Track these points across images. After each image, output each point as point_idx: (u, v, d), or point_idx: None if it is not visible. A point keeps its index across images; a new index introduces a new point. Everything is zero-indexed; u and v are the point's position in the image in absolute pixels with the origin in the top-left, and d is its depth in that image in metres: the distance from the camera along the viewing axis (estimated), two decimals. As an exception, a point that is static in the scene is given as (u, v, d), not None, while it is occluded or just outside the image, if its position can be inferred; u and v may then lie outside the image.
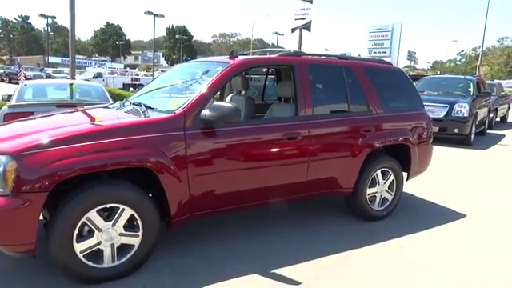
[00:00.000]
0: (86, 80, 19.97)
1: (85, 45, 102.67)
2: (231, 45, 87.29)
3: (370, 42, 29.53)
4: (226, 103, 3.05)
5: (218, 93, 4.02)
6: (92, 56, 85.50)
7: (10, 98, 7.22)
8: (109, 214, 2.75)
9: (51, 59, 58.88)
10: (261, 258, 3.26)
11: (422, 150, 4.52)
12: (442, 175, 6.37)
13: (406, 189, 4.72)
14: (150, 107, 3.27)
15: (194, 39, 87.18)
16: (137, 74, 40.84)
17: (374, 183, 4.16)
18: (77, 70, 45.26)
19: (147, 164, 2.79)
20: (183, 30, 78.30)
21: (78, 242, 2.64)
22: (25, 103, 5.52)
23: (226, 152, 3.18)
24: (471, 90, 10.66)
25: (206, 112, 3.01)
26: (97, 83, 7.97)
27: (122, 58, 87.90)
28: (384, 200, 4.30)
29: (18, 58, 26.19)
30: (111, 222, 2.74)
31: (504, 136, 11.93)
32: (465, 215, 4.56)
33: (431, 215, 4.54)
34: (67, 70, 44.63)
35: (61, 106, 5.38)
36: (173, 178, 2.90)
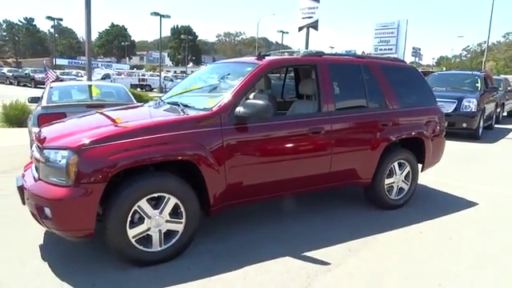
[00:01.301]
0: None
1: (90, 46, 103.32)
2: (236, 44, 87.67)
3: (375, 39, 29.66)
4: (259, 101, 3.33)
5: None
6: (97, 57, 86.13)
7: (34, 99, 7.57)
8: (156, 203, 3.03)
9: (58, 61, 59.33)
10: (290, 244, 3.54)
11: (435, 142, 4.78)
12: (452, 168, 6.62)
13: (419, 180, 4.98)
14: (187, 105, 3.55)
15: (198, 39, 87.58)
16: (143, 75, 41.29)
17: (391, 174, 4.43)
18: (84, 72, 45.62)
19: (191, 157, 3.08)
20: (188, 30, 78.67)
21: (130, 228, 2.94)
22: (57, 104, 5.82)
23: (258, 145, 3.47)
24: (479, 85, 10.88)
25: (240, 109, 3.30)
26: (119, 84, 8.25)
27: (127, 58, 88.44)
28: (401, 190, 4.57)
29: (44, 61, 26.51)
30: (159, 210, 3.03)
31: (511, 130, 12.12)
32: (476, 203, 4.82)
33: (445, 204, 4.81)
34: (75, 71, 45.19)
35: (91, 106, 5.68)
36: (212, 169, 3.18)
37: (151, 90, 33.19)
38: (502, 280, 3.03)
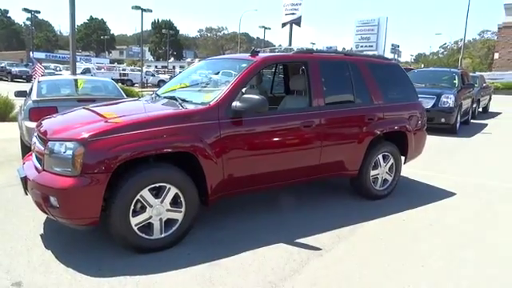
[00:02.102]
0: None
1: (67, 39, 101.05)
2: (218, 39, 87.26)
3: (357, 35, 30.21)
4: (255, 95, 3.49)
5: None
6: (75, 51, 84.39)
7: (20, 93, 7.53)
8: (157, 193, 3.18)
9: (35, 55, 57.96)
10: (284, 231, 3.74)
11: (417, 136, 5.05)
12: (432, 160, 6.94)
13: (402, 172, 5.24)
14: (184, 100, 3.69)
15: (179, 34, 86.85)
16: (124, 70, 40.79)
17: (376, 166, 4.67)
18: (63, 66, 44.59)
19: (191, 149, 3.23)
20: (169, 25, 77.90)
21: (133, 216, 3.07)
22: (47, 98, 5.84)
23: (253, 138, 3.64)
24: (456, 81, 11.31)
25: (236, 103, 3.46)
26: (107, 79, 8.27)
27: (106, 52, 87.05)
28: (385, 181, 4.82)
29: (32, 54, 25.82)
30: (160, 199, 3.17)
31: (486, 125, 12.63)
32: (454, 193, 5.12)
33: (425, 194, 5.09)
34: (53, 65, 44.21)
35: (82, 100, 5.74)
36: (210, 161, 3.34)
37: (132, 84, 32.85)
38: (478, 259, 3.30)
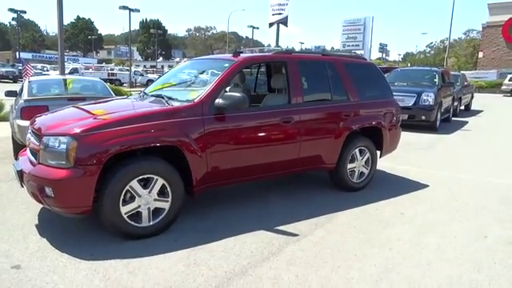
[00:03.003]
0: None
1: (54, 39, 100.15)
2: (206, 39, 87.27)
3: (343, 35, 30.63)
4: (236, 93, 3.76)
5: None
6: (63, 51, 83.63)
7: (10, 93, 7.69)
8: (145, 184, 3.42)
9: (22, 55, 57.40)
10: (265, 220, 4.01)
11: (392, 132, 5.36)
12: (409, 156, 7.28)
13: (379, 167, 5.55)
14: (170, 98, 3.94)
15: (167, 33, 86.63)
16: (112, 69, 40.70)
17: (353, 160, 4.97)
18: (50, 66, 44.11)
19: (176, 143, 3.48)
20: (157, 24, 77.70)
21: (123, 205, 3.31)
22: (39, 97, 6.03)
23: (235, 133, 3.91)
24: (436, 80, 11.69)
25: (219, 100, 3.72)
26: (96, 78, 8.45)
27: (94, 52, 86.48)
28: (361, 174, 5.12)
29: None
30: (148, 190, 3.42)
31: (467, 122, 13.06)
32: (428, 185, 5.45)
33: (400, 186, 5.41)
34: (40, 65, 43.88)
35: (72, 99, 5.94)
36: (195, 154, 3.60)
37: (121, 84, 32.84)
38: (440, 242, 3.60)
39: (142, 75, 38.19)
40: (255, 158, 4.09)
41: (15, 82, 34.68)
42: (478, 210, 4.50)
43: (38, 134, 3.45)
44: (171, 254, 3.23)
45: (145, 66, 58.49)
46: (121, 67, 48.24)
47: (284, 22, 19.42)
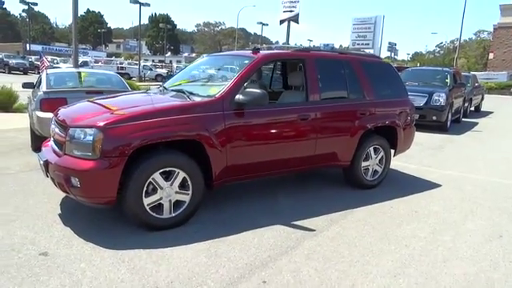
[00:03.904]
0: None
1: (63, 32, 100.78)
2: (215, 34, 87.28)
3: (353, 33, 30.53)
4: (256, 89, 3.82)
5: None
6: (69, 44, 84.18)
7: (27, 85, 7.81)
8: (167, 176, 3.50)
9: (32, 47, 57.81)
10: (281, 214, 4.08)
11: (406, 131, 5.40)
12: (421, 156, 7.31)
13: (391, 166, 5.59)
14: (191, 93, 4.01)
15: (176, 28, 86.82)
16: (121, 63, 40.91)
17: (367, 158, 5.02)
18: (60, 58, 44.36)
19: (198, 137, 3.55)
20: (166, 19, 77.85)
21: (145, 197, 3.40)
22: (58, 90, 6.13)
23: (254, 129, 3.97)
24: (448, 80, 11.68)
25: (239, 96, 3.78)
26: (112, 72, 8.55)
27: (103, 46, 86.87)
28: (375, 172, 5.17)
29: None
30: (169, 182, 3.50)
31: (477, 123, 13.04)
32: (440, 185, 5.49)
33: (413, 185, 5.45)
34: (50, 58, 44.11)
35: (90, 92, 6.04)
36: (215, 149, 3.67)
37: (130, 78, 33.01)
38: (455, 240, 3.65)
39: (150, 70, 38.30)
40: (273, 153, 4.16)
41: (25, 73, 35.01)
42: (492, 211, 4.54)
43: (64, 125, 3.54)
44: (192, 245, 3.31)
45: (153, 61, 58.64)
46: (130, 61, 48.42)
47: (295, 19, 19.42)
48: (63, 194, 4.21)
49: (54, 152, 3.66)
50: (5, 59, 36.34)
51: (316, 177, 5.54)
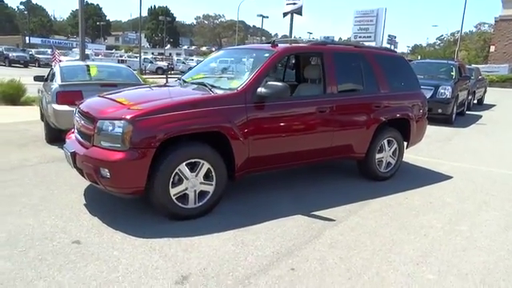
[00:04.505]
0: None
1: (61, 25, 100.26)
2: (214, 27, 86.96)
3: (355, 26, 30.48)
4: (278, 83, 3.90)
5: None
6: (69, 37, 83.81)
7: (38, 78, 7.87)
8: (192, 167, 3.58)
9: (31, 40, 57.59)
10: (300, 205, 4.17)
11: (419, 123, 5.49)
12: (430, 148, 7.41)
13: (403, 158, 5.68)
14: (213, 86, 4.08)
15: (175, 20, 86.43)
16: (121, 56, 40.79)
17: (381, 150, 5.10)
18: (60, 51, 44.36)
19: (223, 129, 3.63)
20: (165, 11, 77.45)
21: (172, 187, 3.49)
22: (73, 83, 6.19)
23: (274, 121, 4.05)
24: (453, 73, 11.73)
25: (261, 89, 3.85)
26: (123, 65, 8.60)
27: (102, 38, 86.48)
28: (389, 164, 5.26)
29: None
30: (195, 173, 3.58)
31: (481, 116, 13.12)
32: (452, 176, 5.59)
33: (424, 177, 5.55)
34: (49, 51, 43.92)
35: (105, 85, 6.10)
36: (238, 141, 3.75)
37: (131, 71, 32.86)
38: (472, 230, 3.76)
39: (151, 62, 38.21)
40: (292, 145, 4.24)
41: (26, 66, 34.91)
42: (505, 202, 4.64)
43: (90, 117, 3.61)
44: (218, 234, 3.40)
45: (153, 54, 58.37)
46: (129, 54, 48.25)
47: (298, 11, 19.34)
48: (85, 185, 4.33)
49: (80, 143, 3.73)
50: (5, 52, 36.17)
51: (329, 169, 5.63)
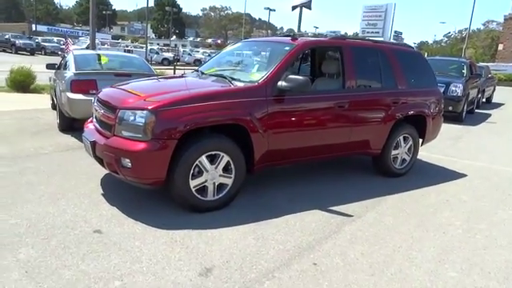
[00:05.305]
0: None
1: (67, 13, 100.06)
2: (220, 19, 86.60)
3: (363, 21, 30.26)
4: (299, 76, 3.87)
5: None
6: (74, 25, 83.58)
7: (50, 66, 7.86)
8: (211, 160, 3.57)
9: (38, 28, 57.49)
10: (317, 200, 4.16)
11: (434, 120, 5.45)
12: (442, 146, 7.35)
13: (417, 154, 5.66)
14: (233, 78, 4.05)
15: (181, 11, 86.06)
16: (127, 46, 40.70)
17: (397, 146, 5.08)
18: (64, 39, 44.05)
19: (244, 122, 3.61)
20: (172, 2, 77.02)
21: (192, 179, 3.47)
22: (87, 71, 6.17)
23: (294, 115, 4.03)
24: (464, 71, 11.64)
25: (282, 83, 3.83)
26: (136, 55, 8.58)
27: (108, 28, 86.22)
28: (404, 160, 5.24)
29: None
30: (214, 166, 3.57)
31: (490, 115, 13.04)
32: (466, 174, 5.56)
33: (439, 174, 5.52)
34: (56, 39, 43.91)
35: (119, 75, 6.08)
36: (258, 134, 3.73)
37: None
38: (491, 229, 3.74)
39: (157, 53, 38.15)
40: (310, 139, 4.22)
41: (32, 54, 34.90)
42: (522, 201, 4.62)
43: (111, 107, 3.60)
44: (238, 227, 3.40)
45: (158, 44, 58.17)
46: (136, 44, 48.14)
47: (308, 5, 19.16)
48: (102, 175, 4.34)
49: (100, 133, 3.73)
50: (12, 39, 36.16)
51: (344, 164, 5.61)
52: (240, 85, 3.88)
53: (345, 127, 4.43)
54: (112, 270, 2.63)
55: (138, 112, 3.33)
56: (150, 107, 3.30)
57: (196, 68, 4.99)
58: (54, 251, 2.81)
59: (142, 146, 3.26)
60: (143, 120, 3.27)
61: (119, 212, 3.52)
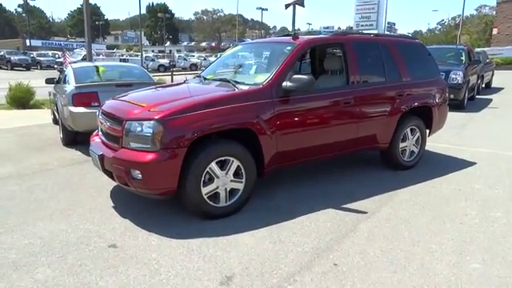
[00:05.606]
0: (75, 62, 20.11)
1: (60, 26, 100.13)
2: (213, 22, 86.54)
3: (357, 15, 30.22)
4: (304, 76, 3.83)
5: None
6: (68, 38, 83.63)
7: (49, 80, 7.83)
8: (222, 165, 3.53)
9: (32, 42, 57.47)
10: (328, 198, 4.12)
11: (440, 110, 5.41)
12: (447, 135, 7.29)
13: (424, 145, 5.61)
14: (236, 81, 4.01)
15: (174, 17, 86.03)
16: (122, 55, 40.71)
17: (404, 139, 5.04)
18: (61, 53, 44.08)
19: (252, 125, 3.58)
20: (164, 8, 77.08)
21: (203, 186, 3.44)
22: (88, 84, 6.14)
23: (301, 115, 3.99)
24: (463, 58, 11.59)
25: (287, 83, 3.79)
26: (135, 64, 8.55)
27: (101, 38, 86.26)
28: (412, 152, 5.20)
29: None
30: (225, 171, 3.53)
31: (491, 100, 12.99)
32: (475, 162, 5.52)
33: (447, 164, 5.48)
34: (50, 53, 43.86)
35: (120, 85, 6.04)
36: (267, 136, 3.69)
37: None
38: (508, 216, 3.70)
39: (153, 60, 38.16)
40: (319, 138, 4.19)
41: (28, 69, 34.92)
42: (534, 186, 4.58)
43: (117, 118, 3.56)
44: (253, 232, 3.36)
45: (153, 51, 58.16)
46: (131, 53, 48.12)
47: (301, 3, 19.08)
48: (110, 187, 4.30)
49: (107, 145, 3.69)
50: (7, 56, 36.15)
51: (352, 161, 5.56)
52: (245, 88, 3.85)
53: (352, 123, 4.40)
54: (132, 285, 2.60)
55: (145, 122, 3.30)
56: (157, 117, 3.26)
57: (198, 73, 4.94)
58: (70, 269, 2.77)
59: (151, 156, 3.22)
60: (151, 130, 3.24)
61: (132, 224, 3.49)
